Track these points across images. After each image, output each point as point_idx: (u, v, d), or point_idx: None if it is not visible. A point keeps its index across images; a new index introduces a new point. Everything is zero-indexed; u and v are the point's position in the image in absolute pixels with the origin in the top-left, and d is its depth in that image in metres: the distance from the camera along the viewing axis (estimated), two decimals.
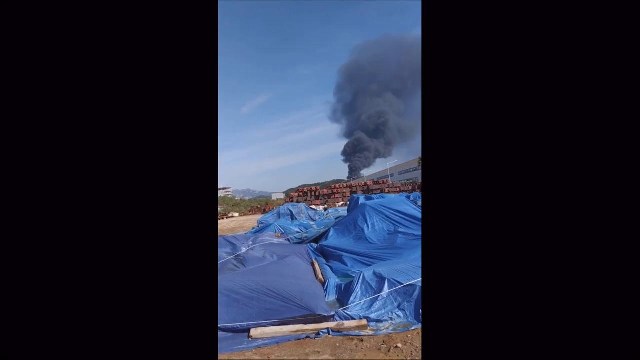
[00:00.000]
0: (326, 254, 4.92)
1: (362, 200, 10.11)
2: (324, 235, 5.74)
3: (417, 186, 20.39)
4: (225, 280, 3.36)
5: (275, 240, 6.20)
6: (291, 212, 12.41)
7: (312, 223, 10.09)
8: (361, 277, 3.24)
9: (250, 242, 6.38)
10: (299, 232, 8.49)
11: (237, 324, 2.80)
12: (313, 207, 16.03)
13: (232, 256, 4.78)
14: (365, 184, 20.23)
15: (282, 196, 56.62)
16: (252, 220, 17.74)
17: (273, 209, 16.32)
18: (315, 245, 5.37)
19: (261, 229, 9.21)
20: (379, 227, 5.05)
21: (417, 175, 33.79)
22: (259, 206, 25.30)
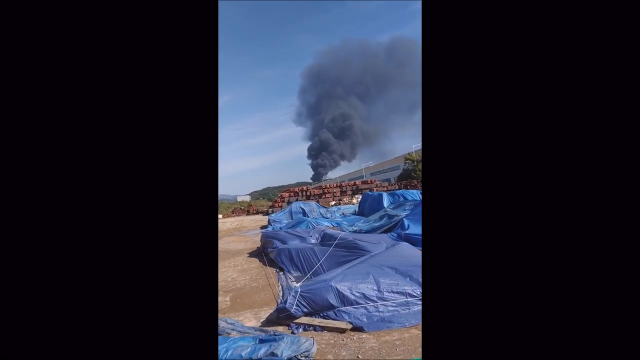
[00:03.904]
0: (412, 241, 5.25)
1: (385, 196, 10.58)
2: (396, 225, 6.07)
3: (402, 185, 21.44)
4: (384, 261, 3.60)
5: (342, 233, 6.39)
6: (303, 209, 12.55)
7: (339, 219, 10.35)
8: None
9: (317, 235, 6.53)
10: (331, 227, 8.75)
11: None
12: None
13: (332, 247, 4.92)
14: (354, 184, 20.82)
15: (248, 198, 55.49)
16: (247, 221, 17.39)
17: (279, 210, 16.20)
18: (394, 235, 5.68)
19: (294, 223, 9.33)
20: None
21: (389, 177, 35.24)
22: (242, 208, 24.81)
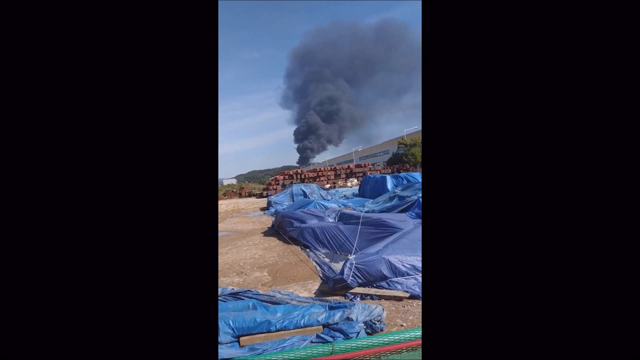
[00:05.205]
0: None
1: (389, 178, 10.79)
2: (412, 205, 6.28)
3: (395, 168, 21.80)
4: (418, 235, 3.77)
5: (361, 213, 6.56)
6: (304, 191, 12.65)
7: (343, 201, 10.52)
8: None
9: (334, 214, 6.68)
10: (339, 208, 8.93)
11: None
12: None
13: (359, 225, 5.07)
14: (349, 167, 21.01)
15: (234, 182, 55.03)
16: (242, 203, 17.37)
17: (273, 192, 16.18)
18: (413, 214, 5.89)
19: (299, 205, 9.42)
20: None
21: (379, 161, 35.63)
22: (234, 190, 24.70)
